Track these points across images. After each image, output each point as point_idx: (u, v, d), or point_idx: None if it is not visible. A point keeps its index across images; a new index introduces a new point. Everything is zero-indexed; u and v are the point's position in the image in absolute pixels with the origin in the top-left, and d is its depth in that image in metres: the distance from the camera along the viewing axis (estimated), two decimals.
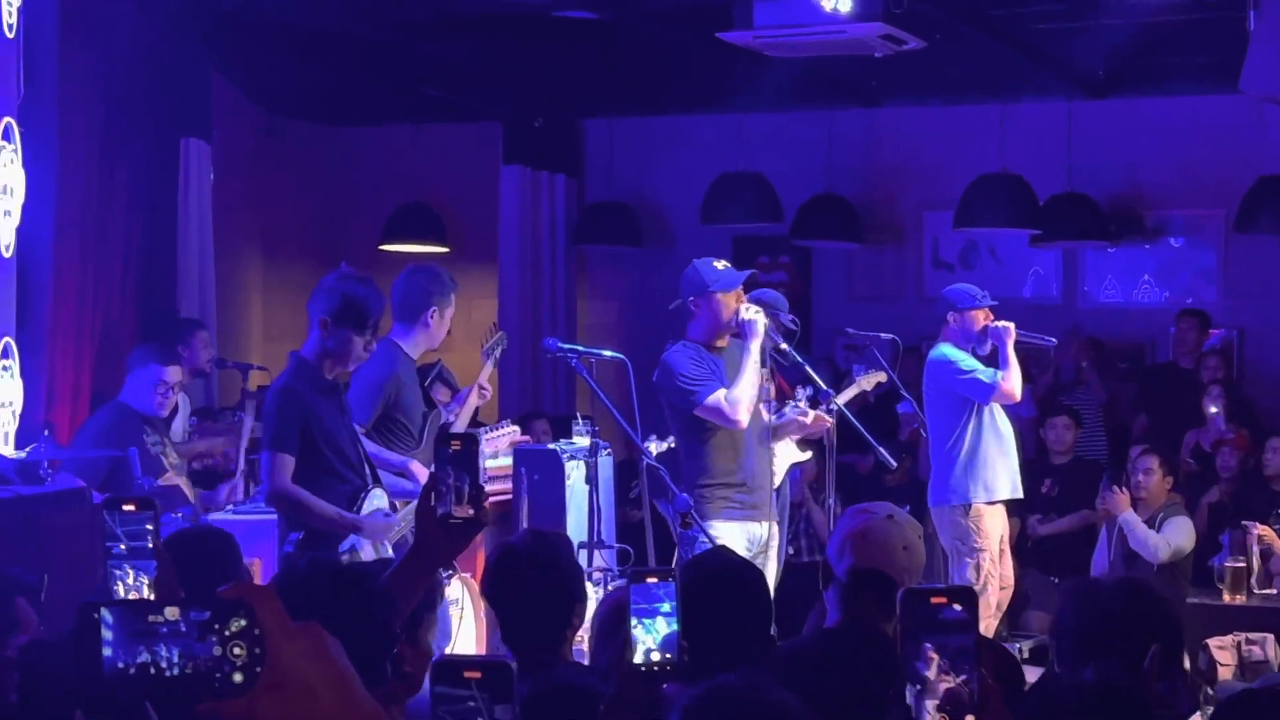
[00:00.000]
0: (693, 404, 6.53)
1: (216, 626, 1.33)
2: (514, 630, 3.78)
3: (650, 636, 2.53)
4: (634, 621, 2.52)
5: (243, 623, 1.33)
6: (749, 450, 6.67)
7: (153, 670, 1.33)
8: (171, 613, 1.33)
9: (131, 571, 2.55)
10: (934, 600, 1.87)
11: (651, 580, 2.53)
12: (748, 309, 6.65)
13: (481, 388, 7.24)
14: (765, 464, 6.81)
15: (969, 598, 1.89)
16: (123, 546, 2.57)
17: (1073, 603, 3.29)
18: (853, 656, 3.67)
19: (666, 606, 2.54)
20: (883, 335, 8.36)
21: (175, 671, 1.33)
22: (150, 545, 2.56)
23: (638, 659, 2.52)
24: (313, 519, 5.44)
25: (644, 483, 7.29)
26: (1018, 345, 7.67)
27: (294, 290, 11.90)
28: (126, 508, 2.57)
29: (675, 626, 2.53)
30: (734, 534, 6.50)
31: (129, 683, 1.33)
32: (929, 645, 1.86)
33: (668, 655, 2.52)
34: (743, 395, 6.51)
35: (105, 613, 1.33)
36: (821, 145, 11.50)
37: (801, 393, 8.28)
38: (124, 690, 1.33)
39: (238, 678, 1.33)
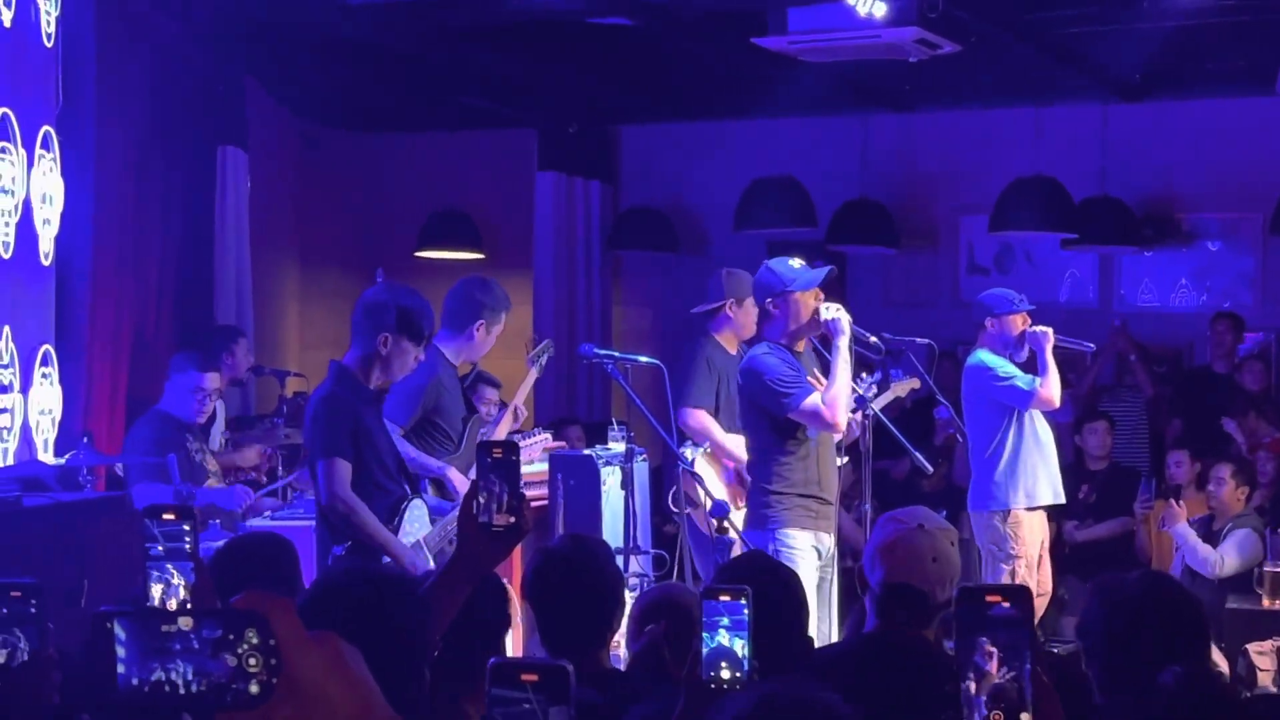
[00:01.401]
0: (787, 407, 6.36)
1: (231, 639, 1.33)
2: (553, 634, 3.79)
3: (704, 649, 2.56)
4: (704, 636, 2.54)
5: (256, 636, 1.33)
6: (829, 460, 6.54)
7: (168, 688, 1.33)
8: (185, 623, 1.33)
9: (175, 571, 2.59)
10: (989, 598, 1.88)
11: (724, 598, 2.54)
12: (828, 308, 6.48)
13: (517, 410, 7.28)
14: (837, 474, 6.67)
15: (1024, 596, 1.90)
16: (160, 548, 2.61)
17: (1099, 602, 3.29)
18: (890, 662, 3.67)
19: (726, 621, 2.55)
20: (918, 340, 8.32)
21: (191, 689, 1.33)
22: (187, 548, 2.60)
23: (705, 675, 2.54)
24: (363, 533, 5.39)
25: (680, 487, 7.27)
26: (1056, 351, 7.62)
27: (331, 297, 11.97)
28: (166, 516, 2.61)
29: (733, 642, 2.54)
30: (808, 543, 6.43)
31: (142, 700, 1.33)
32: (985, 639, 1.86)
33: (738, 674, 2.53)
34: (839, 396, 6.35)
35: (118, 626, 1.33)
36: (856, 150, 11.49)
37: None
38: (139, 707, 1.33)
39: (254, 689, 1.33)
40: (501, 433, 7.21)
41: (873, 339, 6.69)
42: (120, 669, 1.33)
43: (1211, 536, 8.39)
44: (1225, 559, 8.18)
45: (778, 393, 6.35)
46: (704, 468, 7.44)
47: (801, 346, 6.56)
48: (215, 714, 1.33)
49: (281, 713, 1.34)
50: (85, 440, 7.14)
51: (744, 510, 7.29)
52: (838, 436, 6.65)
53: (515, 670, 1.61)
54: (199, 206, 10.00)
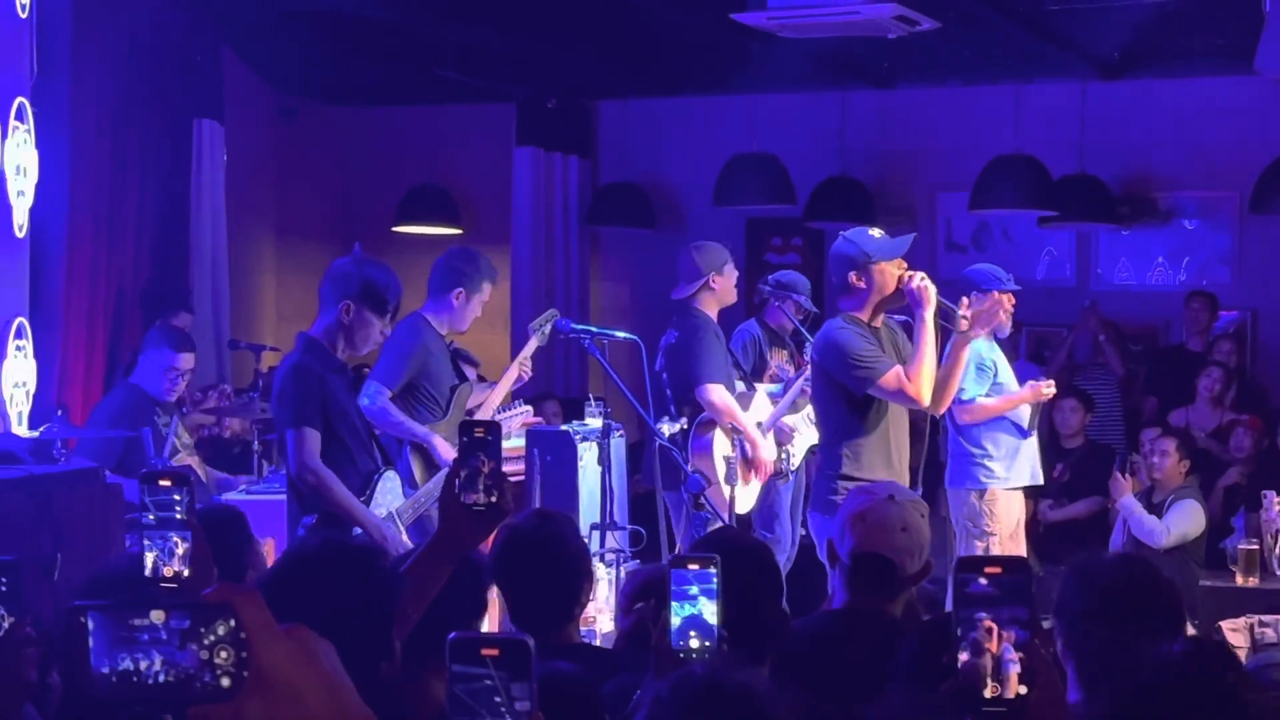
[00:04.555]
0: (866, 382, 6.05)
1: (200, 631, 1.31)
2: (521, 611, 3.78)
3: (676, 619, 2.57)
4: (673, 605, 2.55)
5: (224, 628, 1.32)
6: (902, 441, 6.27)
7: (135, 678, 1.32)
8: (157, 616, 1.32)
9: (178, 540, 2.58)
10: (987, 570, 1.87)
11: (693, 566, 2.55)
12: (912, 276, 6.13)
13: (522, 365, 7.24)
14: (909, 454, 6.34)
15: (1022, 569, 1.88)
16: (151, 518, 2.60)
17: (1074, 581, 3.30)
18: (858, 636, 3.68)
19: (695, 590, 2.56)
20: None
21: (158, 679, 1.32)
22: (178, 517, 2.59)
23: (675, 644, 2.55)
24: (333, 503, 5.35)
25: (656, 465, 7.28)
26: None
27: (307, 271, 11.92)
28: (163, 483, 2.61)
29: (701, 611, 2.55)
30: None
31: (111, 690, 1.32)
32: (983, 615, 1.85)
33: (707, 643, 2.54)
34: (924, 371, 6.04)
35: (89, 619, 1.32)
36: (835, 127, 11.48)
37: (787, 368, 8.30)
38: (108, 697, 1.32)
39: (225, 682, 1.32)
40: (503, 388, 7.18)
41: (960, 314, 6.28)
42: (91, 658, 1.32)
43: (1153, 508, 8.44)
44: (1171, 529, 8.23)
45: (855, 367, 6.06)
46: (721, 439, 7.49)
47: (878, 322, 6.27)
48: (187, 708, 1.32)
49: (252, 707, 1.33)
50: (59, 413, 7.11)
51: (740, 486, 7.33)
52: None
53: (475, 645, 1.59)
54: (174, 179, 9.96)
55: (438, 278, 6.90)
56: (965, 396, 7.44)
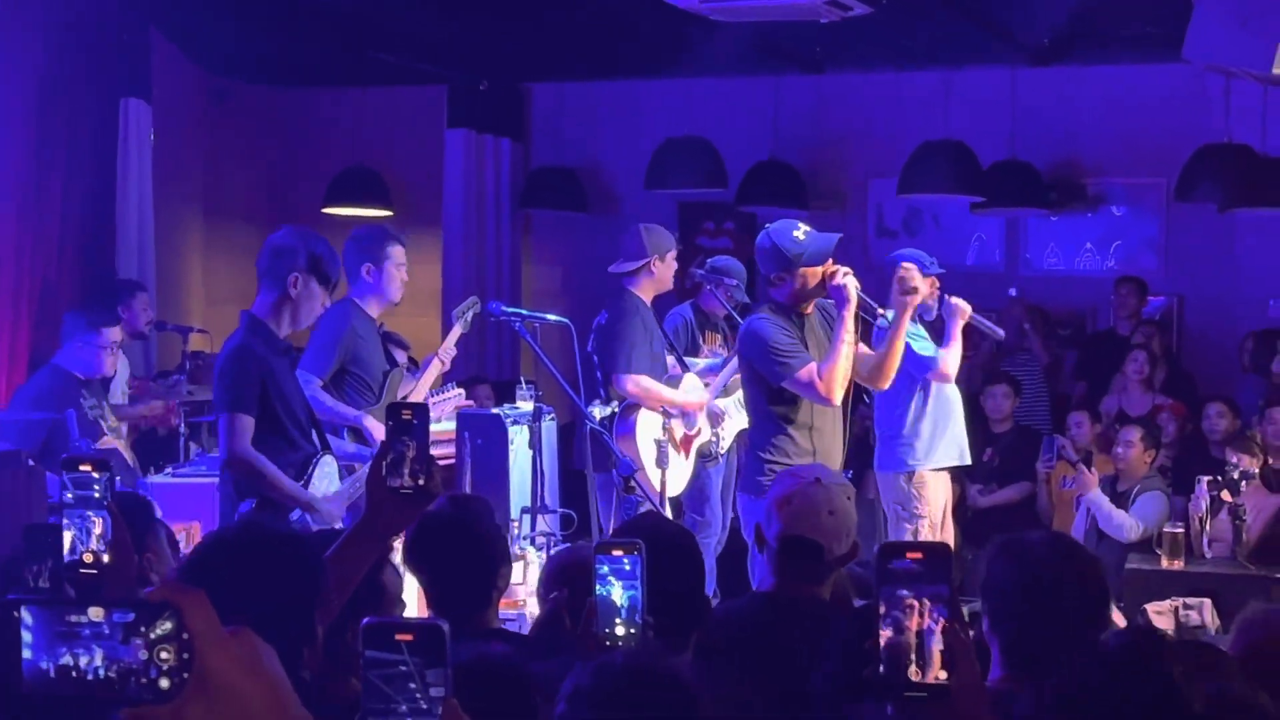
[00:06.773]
0: (780, 376, 6.09)
1: (142, 629, 1.29)
2: (439, 596, 3.76)
3: (601, 603, 2.58)
4: (598, 590, 2.55)
5: (168, 626, 1.29)
6: (831, 429, 6.27)
7: (74, 673, 1.29)
8: (95, 613, 1.29)
9: (96, 519, 2.57)
10: (909, 555, 1.88)
11: (617, 552, 2.55)
12: (836, 272, 6.15)
13: (444, 354, 7.22)
14: (839, 443, 6.33)
15: (942, 552, 1.90)
16: (70, 496, 2.61)
17: (1003, 561, 3.33)
18: (786, 619, 3.69)
19: (618, 575, 2.56)
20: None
21: (99, 675, 1.29)
22: (95, 495, 2.60)
23: (599, 630, 2.55)
24: (268, 487, 5.31)
25: (587, 448, 7.26)
26: (967, 328, 7.54)
27: (236, 253, 11.83)
28: (83, 468, 2.60)
29: (625, 597, 2.55)
30: None
31: (49, 685, 1.29)
32: (905, 592, 1.86)
33: (632, 630, 2.53)
34: (837, 370, 6.04)
35: (25, 612, 1.29)
36: (768, 112, 11.49)
37: (720, 351, 8.32)
38: (44, 693, 1.29)
39: (164, 683, 1.29)
40: (429, 379, 7.16)
41: (880, 311, 6.33)
42: (26, 654, 1.29)
43: (1117, 498, 8.50)
44: (1140, 524, 8.29)
45: (773, 360, 6.10)
46: (647, 423, 7.49)
47: (808, 309, 6.30)
48: (122, 707, 1.29)
49: (193, 710, 1.30)
50: None
51: (670, 469, 7.34)
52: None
53: (389, 630, 1.57)
54: (101, 159, 9.85)
55: (346, 262, 6.83)
56: (928, 355, 7.47)
